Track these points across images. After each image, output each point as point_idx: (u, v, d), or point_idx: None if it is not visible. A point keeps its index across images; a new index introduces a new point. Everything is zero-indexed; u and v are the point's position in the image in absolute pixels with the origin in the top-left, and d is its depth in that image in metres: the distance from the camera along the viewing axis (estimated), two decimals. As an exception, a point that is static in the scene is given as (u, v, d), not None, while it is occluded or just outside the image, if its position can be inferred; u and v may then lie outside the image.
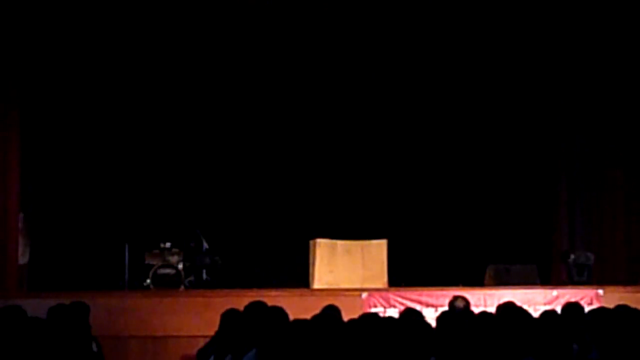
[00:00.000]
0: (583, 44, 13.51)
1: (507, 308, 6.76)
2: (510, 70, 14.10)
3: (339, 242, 12.08)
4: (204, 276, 13.32)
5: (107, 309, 10.30)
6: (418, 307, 9.46)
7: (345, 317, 7.16)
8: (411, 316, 6.61)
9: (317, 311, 7.40)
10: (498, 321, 6.02)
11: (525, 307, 7.43)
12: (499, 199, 14.45)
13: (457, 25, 13.33)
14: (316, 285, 11.71)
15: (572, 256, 12.95)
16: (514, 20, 13.19)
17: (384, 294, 10.82)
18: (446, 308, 8.48)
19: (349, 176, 14.38)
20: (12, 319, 6.71)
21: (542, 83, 14.23)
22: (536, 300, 10.61)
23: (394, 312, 10.15)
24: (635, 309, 6.12)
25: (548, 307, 8.96)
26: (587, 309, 7.76)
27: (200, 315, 10.28)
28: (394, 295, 10.68)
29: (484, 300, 10.55)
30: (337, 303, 7.89)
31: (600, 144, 13.71)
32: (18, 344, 5.89)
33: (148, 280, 12.54)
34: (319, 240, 12.03)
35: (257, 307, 6.76)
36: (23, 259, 12.40)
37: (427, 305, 10.51)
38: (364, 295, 10.63)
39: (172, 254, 12.92)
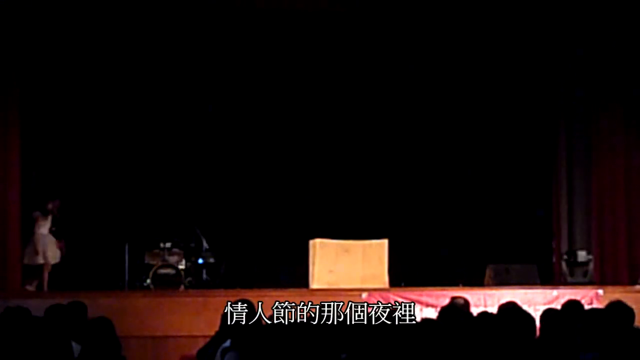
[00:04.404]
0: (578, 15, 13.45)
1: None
2: (504, 68, 14.14)
3: (339, 242, 12.07)
4: (204, 276, 13.34)
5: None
6: (418, 307, 9.44)
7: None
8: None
9: (316, 311, 7.38)
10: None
11: (525, 307, 7.40)
12: (498, 199, 14.45)
13: (450, 5, 13.29)
14: (316, 285, 11.71)
15: (572, 256, 12.96)
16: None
17: (384, 294, 10.80)
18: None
19: (348, 176, 14.37)
20: (16, 319, 6.71)
21: (539, 68, 14.23)
22: (536, 300, 10.59)
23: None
24: (629, 307, 6.08)
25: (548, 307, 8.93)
26: (586, 308, 7.73)
27: (200, 315, 10.27)
28: (394, 295, 10.64)
29: (484, 300, 10.54)
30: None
31: (601, 141, 13.66)
32: (20, 344, 5.89)
33: (148, 280, 12.57)
34: (319, 240, 12.03)
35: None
36: (54, 259, 12.33)
37: (427, 305, 10.51)
38: (364, 295, 10.59)
39: (172, 254, 12.95)
